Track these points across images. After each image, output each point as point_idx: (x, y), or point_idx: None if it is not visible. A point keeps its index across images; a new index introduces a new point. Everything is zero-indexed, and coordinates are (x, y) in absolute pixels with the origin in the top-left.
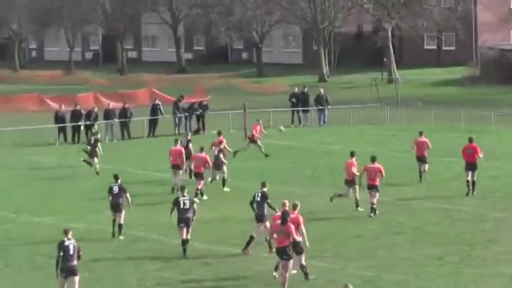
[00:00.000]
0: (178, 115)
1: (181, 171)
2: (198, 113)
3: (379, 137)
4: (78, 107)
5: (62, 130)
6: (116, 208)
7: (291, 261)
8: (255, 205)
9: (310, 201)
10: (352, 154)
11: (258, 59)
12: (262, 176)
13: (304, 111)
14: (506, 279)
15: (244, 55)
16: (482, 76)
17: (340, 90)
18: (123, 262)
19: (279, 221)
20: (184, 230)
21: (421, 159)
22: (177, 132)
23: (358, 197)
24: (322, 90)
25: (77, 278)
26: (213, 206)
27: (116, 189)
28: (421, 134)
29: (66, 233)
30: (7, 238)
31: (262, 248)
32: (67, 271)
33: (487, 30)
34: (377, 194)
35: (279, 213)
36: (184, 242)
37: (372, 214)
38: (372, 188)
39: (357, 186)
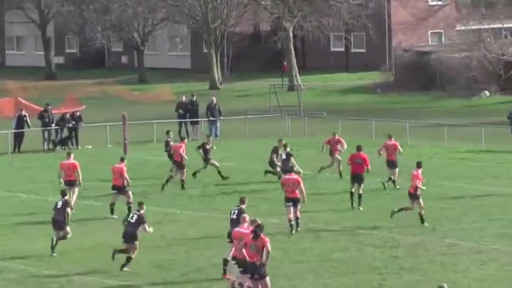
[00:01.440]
0: (46, 128)
1: (77, 189)
2: (70, 125)
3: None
4: None
5: None
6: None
7: (267, 279)
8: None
9: (200, 226)
10: (418, 165)
11: (140, 63)
12: (145, 196)
13: (192, 122)
14: None
15: (124, 59)
16: (397, 82)
17: (235, 99)
18: None
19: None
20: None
21: (391, 165)
22: (45, 147)
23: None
24: (214, 99)
25: None
26: (89, 231)
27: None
28: (390, 137)
29: None
30: None
31: (143, 279)
32: None
33: (402, 30)
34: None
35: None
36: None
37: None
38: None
39: (420, 200)
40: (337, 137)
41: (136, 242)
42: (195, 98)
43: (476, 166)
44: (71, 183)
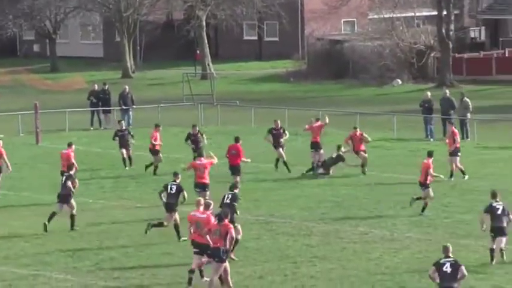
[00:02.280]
0: None
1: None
2: None
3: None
4: None
5: None
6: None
7: (223, 265)
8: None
9: (113, 215)
10: (429, 154)
11: (52, 52)
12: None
13: (105, 111)
14: None
15: (36, 47)
16: (310, 71)
17: (147, 87)
18: None
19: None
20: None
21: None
22: None
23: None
24: (126, 88)
25: None
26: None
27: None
28: (355, 128)
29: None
30: None
31: (54, 268)
32: None
33: (315, 19)
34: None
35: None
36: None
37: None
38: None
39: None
40: (359, 131)
41: (177, 211)
42: (107, 86)
43: (388, 154)
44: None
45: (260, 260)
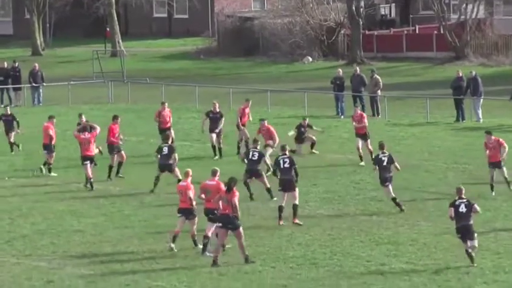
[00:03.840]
0: None
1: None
2: None
3: (102, 119)
4: None
5: None
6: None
7: (240, 230)
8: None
9: (25, 193)
10: (489, 133)
11: None
12: None
13: (15, 89)
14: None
15: None
16: (220, 48)
17: (58, 65)
18: None
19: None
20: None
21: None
22: None
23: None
24: (36, 65)
25: None
26: None
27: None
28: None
29: None
30: None
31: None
32: None
33: None
34: None
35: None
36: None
37: None
38: None
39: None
40: (359, 111)
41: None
42: (17, 64)
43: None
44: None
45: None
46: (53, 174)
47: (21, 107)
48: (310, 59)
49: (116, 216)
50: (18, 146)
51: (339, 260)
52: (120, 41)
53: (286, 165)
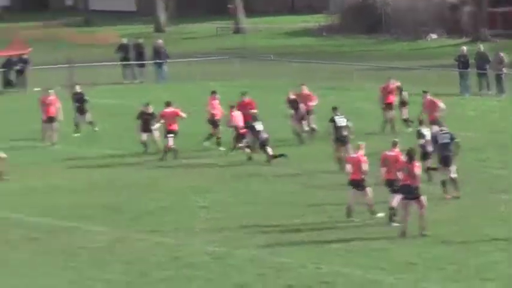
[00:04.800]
0: None
1: (56, 124)
2: (17, 68)
3: (229, 96)
4: None
5: None
6: None
7: (422, 199)
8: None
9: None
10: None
11: (85, 5)
12: (94, 138)
13: (139, 65)
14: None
15: (69, 1)
16: (342, 25)
17: (181, 42)
18: None
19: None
20: None
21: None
22: None
23: None
24: (160, 42)
25: None
26: (42, 173)
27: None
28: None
29: None
30: None
31: (93, 221)
32: None
33: None
34: None
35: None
36: None
37: None
38: None
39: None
40: (391, 83)
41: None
42: (140, 40)
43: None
44: (51, 120)
45: (297, 215)
46: (221, 148)
47: (145, 83)
48: (434, 36)
49: (241, 192)
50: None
51: (467, 237)
52: (243, 17)
53: (446, 140)
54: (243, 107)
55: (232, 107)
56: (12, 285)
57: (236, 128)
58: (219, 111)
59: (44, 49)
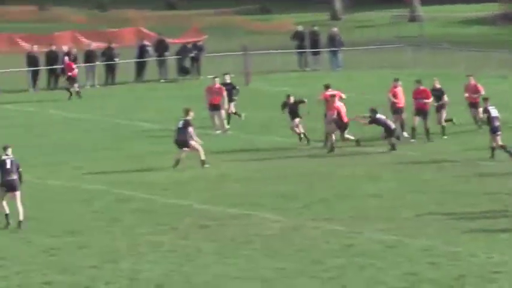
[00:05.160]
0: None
1: (222, 112)
2: (192, 55)
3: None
4: (54, 48)
5: (35, 74)
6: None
7: None
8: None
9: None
10: None
11: None
12: (267, 127)
13: (314, 53)
14: None
15: None
16: None
17: (356, 30)
18: (109, 224)
19: None
20: None
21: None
22: (162, 77)
23: None
24: (335, 29)
25: (17, 193)
26: (213, 162)
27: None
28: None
29: (5, 149)
30: None
31: (266, 208)
32: (7, 186)
33: None
34: None
35: None
36: None
37: None
38: None
39: None
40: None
41: (192, 143)
42: (316, 28)
43: None
44: (215, 107)
45: (469, 204)
46: (405, 134)
47: (320, 71)
48: None
49: (413, 181)
50: (239, 115)
51: None
52: (419, 5)
53: None
54: (418, 94)
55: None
56: (183, 272)
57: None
58: (401, 99)
59: (219, 37)
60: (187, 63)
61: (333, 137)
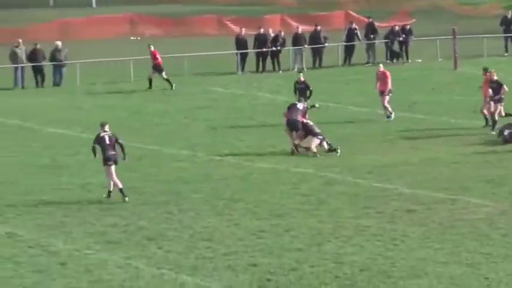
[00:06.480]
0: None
1: (386, 97)
2: (400, 39)
3: None
4: (262, 31)
5: (244, 57)
6: None
7: None
8: None
9: None
10: None
11: None
12: (475, 112)
13: None
14: None
15: None
16: None
17: None
18: (315, 207)
19: None
20: None
21: None
22: (371, 61)
23: None
24: None
25: (113, 167)
26: (419, 146)
27: None
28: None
29: (102, 126)
30: (182, 180)
31: (473, 193)
32: (108, 159)
33: None
34: None
35: None
36: None
37: None
38: None
39: None
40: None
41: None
42: None
43: None
44: (382, 93)
45: None
46: None
47: None
48: None
49: None
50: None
51: None
52: None
53: None
54: None
55: None
56: (388, 257)
57: None
58: None
59: (426, 20)
60: (395, 47)
61: None
